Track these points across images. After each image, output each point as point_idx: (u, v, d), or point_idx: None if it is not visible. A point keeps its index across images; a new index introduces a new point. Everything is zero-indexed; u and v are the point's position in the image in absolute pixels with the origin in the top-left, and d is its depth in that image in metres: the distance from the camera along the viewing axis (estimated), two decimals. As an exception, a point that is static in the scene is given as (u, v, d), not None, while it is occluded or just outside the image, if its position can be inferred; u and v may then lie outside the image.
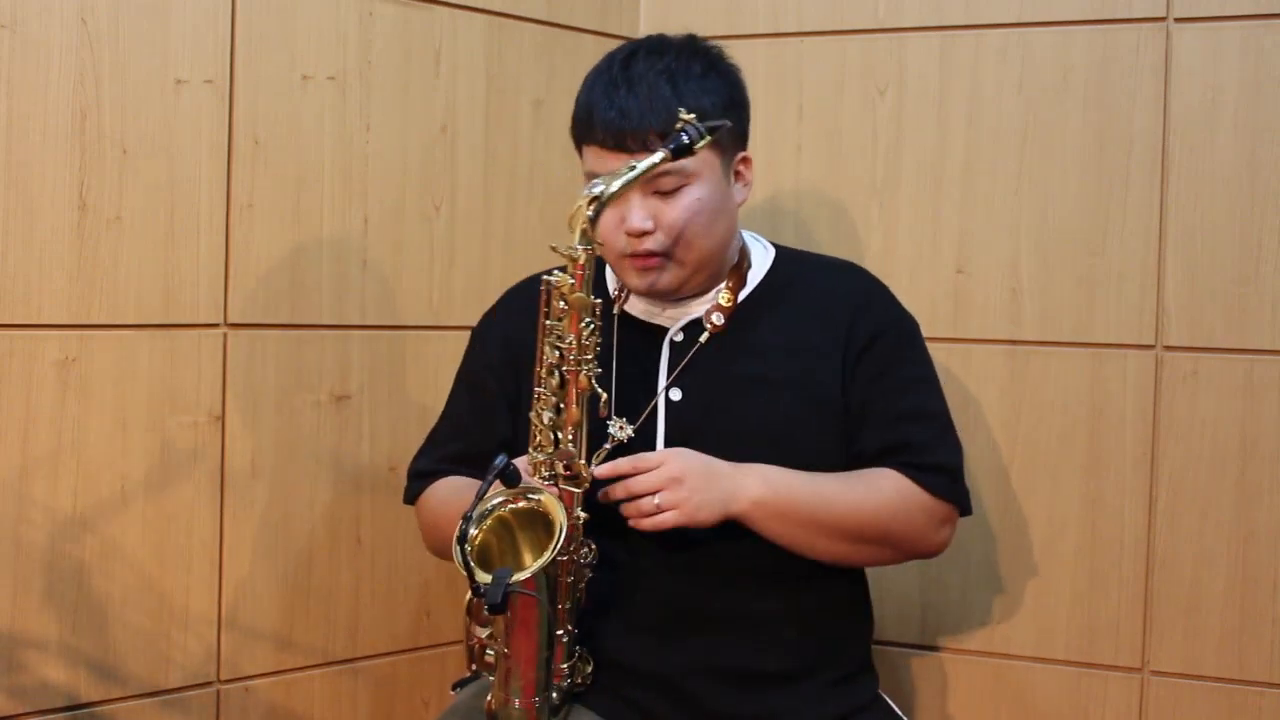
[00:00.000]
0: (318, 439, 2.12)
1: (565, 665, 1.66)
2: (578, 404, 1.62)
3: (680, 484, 1.62)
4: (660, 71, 1.69)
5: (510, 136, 2.30)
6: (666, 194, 1.69)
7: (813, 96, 2.31)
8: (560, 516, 1.56)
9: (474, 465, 1.69)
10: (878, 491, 1.72)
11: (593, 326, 1.62)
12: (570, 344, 1.61)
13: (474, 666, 1.65)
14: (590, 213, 1.59)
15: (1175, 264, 2.12)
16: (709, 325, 1.77)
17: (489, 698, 1.64)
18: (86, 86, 1.88)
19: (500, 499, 1.60)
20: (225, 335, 2.02)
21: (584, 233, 1.60)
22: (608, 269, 1.85)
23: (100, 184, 1.90)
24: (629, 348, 1.78)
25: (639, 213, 1.69)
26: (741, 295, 1.79)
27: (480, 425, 1.83)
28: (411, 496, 1.90)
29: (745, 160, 1.79)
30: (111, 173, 1.91)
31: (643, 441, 1.73)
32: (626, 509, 1.63)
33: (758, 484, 1.67)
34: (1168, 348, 2.12)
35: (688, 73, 1.71)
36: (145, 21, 1.93)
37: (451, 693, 1.87)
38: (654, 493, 1.62)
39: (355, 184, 2.14)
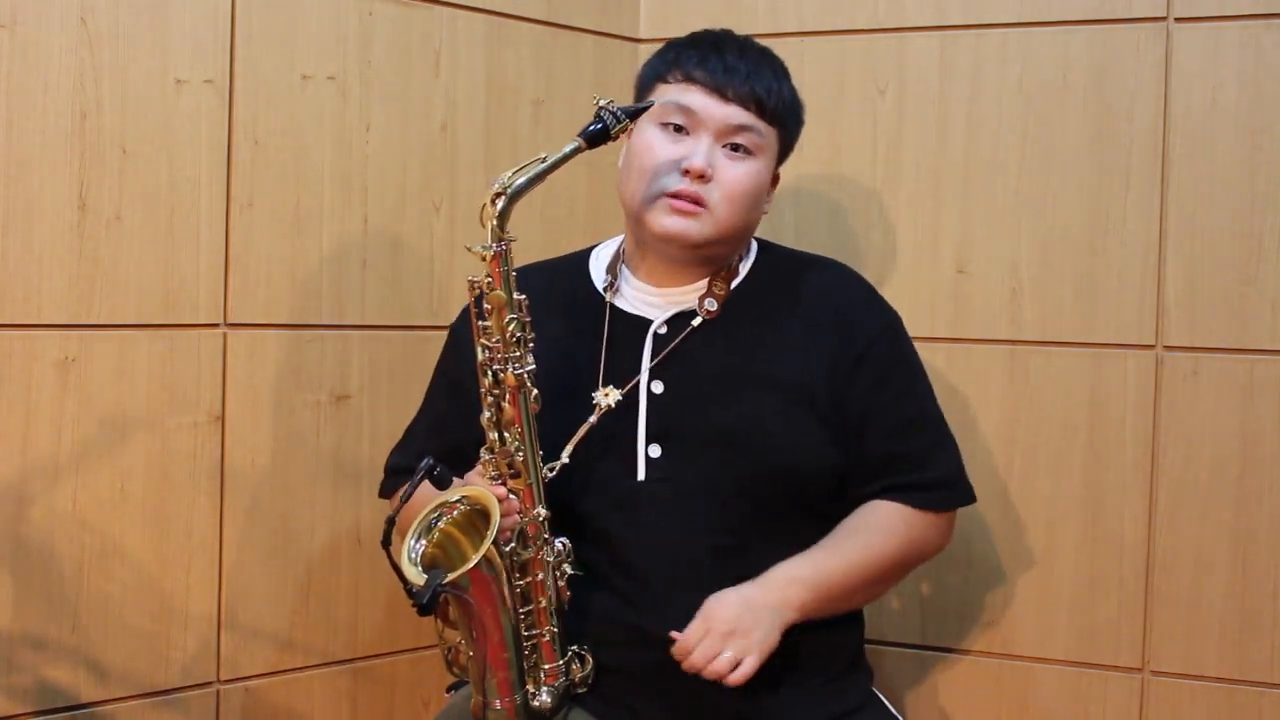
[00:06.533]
0: (318, 439, 2.12)
1: (560, 664, 1.66)
2: (512, 401, 1.61)
3: (734, 635, 1.63)
4: (764, 55, 1.79)
5: (510, 136, 2.30)
6: (736, 154, 1.73)
7: (813, 96, 2.30)
8: (493, 506, 1.55)
9: (449, 462, 1.70)
10: (892, 534, 1.76)
11: (517, 321, 1.61)
12: (497, 342, 1.61)
13: (453, 671, 1.65)
14: (499, 207, 1.59)
15: (1175, 264, 2.12)
16: (703, 313, 1.77)
17: (471, 701, 1.65)
18: (86, 86, 1.88)
19: (436, 513, 1.59)
20: (225, 335, 2.03)
21: (494, 229, 1.60)
22: (591, 265, 1.86)
23: (100, 184, 1.90)
24: (616, 339, 1.78)
25: (705, 154, 1.72)
26: (733, 284, 1.80)
27: (456, 422, 1.82)
28: (386, 492, 1.93)
29: (778, 177, 1.84)
30: (111, 173, 1.91)
31: (625, 433, 1.73)
32: (707, 674, 1.63)
33: (797, 591, 1.68)
34: (1168, 348, 2.12)
35: (784, 72, 1.81)
36: (145, 21, 1.93)
37: (446, 695, 1.87)
38: (718, 653, 1.63)
39: (355, 184, 2.14)
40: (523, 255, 2.26)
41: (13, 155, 1.84)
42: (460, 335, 1.90)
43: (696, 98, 1.72)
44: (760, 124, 1.74)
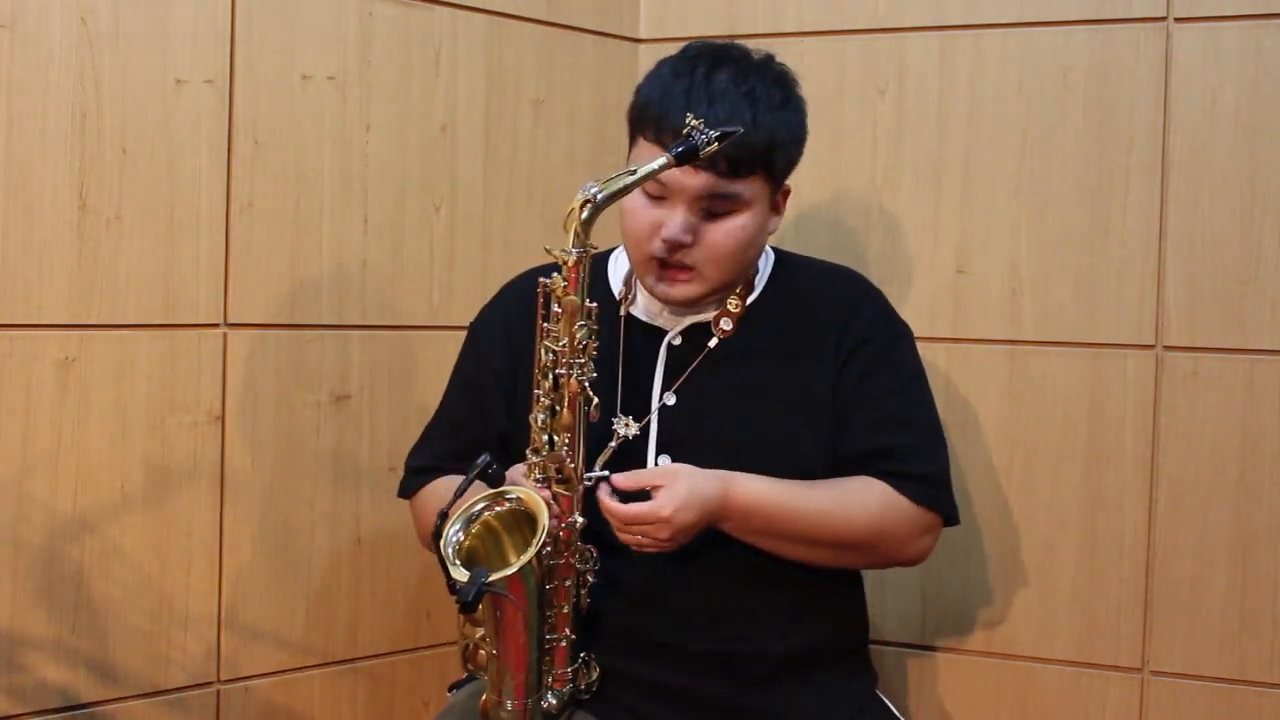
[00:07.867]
0: (318, 439, 2.12)
1: (569, 670, 1.66)
2: (570, 407, 1.61)
3: (673, 538, 1.62)
4: (744, 93, 1.67)
5: (510, 136, 2.30)
6: (715, 216, 1.68)
7: (813, 96, 2.29)
8: (542, 513, 1.55)
9: (470, 462, 1.69)
10: (863, 505, 1.71)
11: (587, 329, 1.61)
12: (564, 347, 1.60)
13: (468, 666, 1.65)
14: (584, 215, 1.58)
15: (1175, 264, 2.12)
16: (718, 332, 1.76)
17: (483, 698, 1.65)
18: (86, 86, 1.88)
19: (483, 504, 1.59)
20: (225, 335, 2.03)
21: (577, 234, 1.58)
22: (610, 268, 1.85)
23: (100, 184, 1.90)
24: (630, 350, 1.77)
25: (680, 225, 1.67)
26: (749, 300, 1.79)
27: (477, 422, 1.82)
28: (407, 491, 1.91)
29: (787, 192, 1.78)
30: (111, 173, 1.91)
31: (638, 444, 1.73)
32: (625, 538, 1.64)
33: (740, 510, 1.66)
34: (1168, 348, 2.12)
35: (769, 101, 1.69)
36: (145, 21, 1.93)
37: (448, 694, 1.87)
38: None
39: (355, 184, 2.14)
40: (523, 255, 2.28)
41: (13, 155, 1.84)
42: (480, 335, 1.89)
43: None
44: (735, 186, 1.67)
